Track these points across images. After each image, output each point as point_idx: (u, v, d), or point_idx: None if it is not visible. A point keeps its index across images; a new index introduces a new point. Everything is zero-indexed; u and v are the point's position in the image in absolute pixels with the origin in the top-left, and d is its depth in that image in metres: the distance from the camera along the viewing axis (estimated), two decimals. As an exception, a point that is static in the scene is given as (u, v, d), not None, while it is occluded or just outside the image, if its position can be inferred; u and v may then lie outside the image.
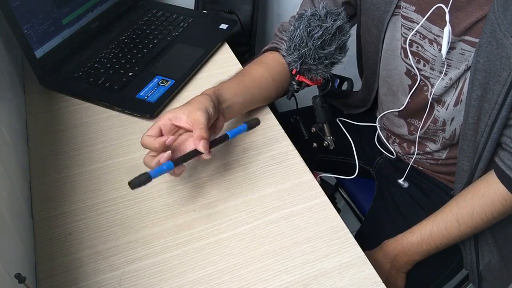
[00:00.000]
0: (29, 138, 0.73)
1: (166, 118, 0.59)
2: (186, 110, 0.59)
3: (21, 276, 0.45)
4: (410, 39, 0.70)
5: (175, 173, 0.57)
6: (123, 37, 0.93)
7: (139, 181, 0.52)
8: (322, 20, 0.60)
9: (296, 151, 0.72)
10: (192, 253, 0.58)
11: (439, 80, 0.70)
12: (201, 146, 0.55)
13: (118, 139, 0.73)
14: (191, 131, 0.58)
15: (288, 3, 1.40)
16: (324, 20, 0.60)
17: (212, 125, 0.63)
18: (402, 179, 0.86)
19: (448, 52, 0.66)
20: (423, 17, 0.66)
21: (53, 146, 0.71)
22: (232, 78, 0.71)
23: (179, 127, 0.60)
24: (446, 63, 0.68)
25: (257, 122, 0.62)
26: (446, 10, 0.62)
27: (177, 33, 0.95)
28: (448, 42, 0.63)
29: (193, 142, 0.56)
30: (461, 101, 0.69)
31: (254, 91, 0.73)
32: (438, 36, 0.66)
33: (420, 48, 0.70)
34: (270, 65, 0.76)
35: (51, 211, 0.62)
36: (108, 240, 0.59)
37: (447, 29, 0.62)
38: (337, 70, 0.67)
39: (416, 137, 0.81)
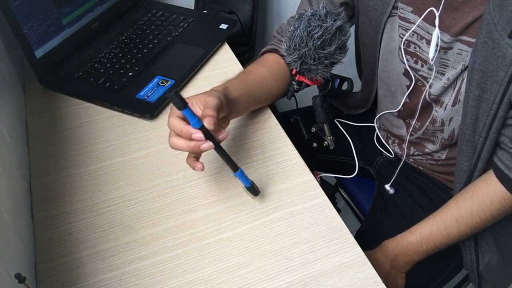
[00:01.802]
0: (29, 138, 0.73)
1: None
2: (199, 97, 0.58)
3: (21, 276, 0.45)
4: (407, 40, 0.71)
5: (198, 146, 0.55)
6: (123, 37, 0.93)
7: (176, 98, 0.51)
8: (322, 20, 0.60)
9: (296, 151, 0.72)
10: (192, 253, 0.58)
11: (434, 79, 0.70)
12: (206, 122, 0.54)
13: (118, 139, 0.73)
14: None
15: (288, 3, 1.40)
16: (324, 20, 0.60)
17: (219, 123, 0.62)
18: (389, 184, 0.86)
19: (445, 52, 0.66)
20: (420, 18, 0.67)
21: (53, 146, 0.71)
22: (236, 77, 0.71)
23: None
24: (443, 63, 0.68)
25: (257, 193, 0.63)
26: (437, 14, 0.62)
27: (177, 33, 0.95)
28: (436, 46, 0.63)
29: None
30: (459, 101, 0.70)
31: (258, 91, 0.73)
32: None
33: (417, 49, 0.70)
34: (271, 65, 0.76)
35: (51, 211, 0.62)
36: (108, 240, 0.59)
37: (436, 32, 0.62)
38: (337, 70, 0.67)
39: (414, 138, 0.82)
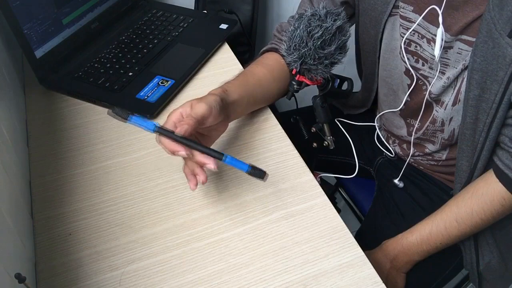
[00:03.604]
0: (29, 138, 0.73)
1: (178, 113, 0.57)
2: (192, 103, 0.58)
3: (21, 276, 0.45)
4: (408, 39, 0.71)
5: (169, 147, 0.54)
6: (123, 37, 0.93)
7: (117, 111, 0.51)
8: (322, 20, 0.60)
9: (296, 151, 0.72)
10: (192, 253, 0.58)
11: (435, 79, 0.70)
12: (178, 129, 0.53)
13: (118, 139, 0.73)
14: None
15: (288, 3, 1.40)
16: (324, 20, 0.60)
17: (216, 127, 0.62)
18: (398, 179, 0.86)
19: (445, 52, 0.66)
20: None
21: (53, 146, 0.71)
22: (236, 78, 0.71)
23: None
24: (444, 62, 0.68)
25: (262, 173, 0.55)
26: (440, 12, 0.62)
27: (177, 33, 0.95)
28: (441, 44, 0.63)
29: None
30: (459, 100, 0.70)
31: (258, 92, 0.73)
32: (436, 35, 0.66)
33: (418, 48, 0.70)
34: (270, 65, 0.76)
35: (51, 211, 0.62)
36: (108, 240, 0.59)
37: (440, 30, 0.62)
38: (337, 70, 0.67)
39: (414, 138, 0.82)
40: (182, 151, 0.53)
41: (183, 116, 0.57)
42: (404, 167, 0.84)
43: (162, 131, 0.53)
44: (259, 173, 0.55)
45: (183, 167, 0.59)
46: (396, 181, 0.87)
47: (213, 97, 0.60)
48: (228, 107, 0.63)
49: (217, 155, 0.54)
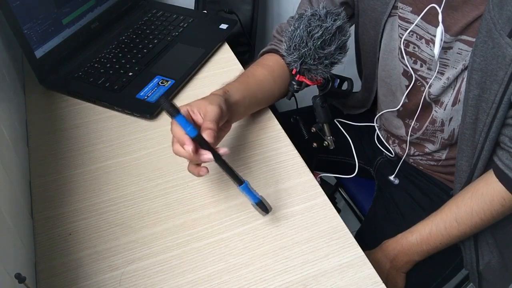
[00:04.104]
0: (29, 138, 0.73)
1: (185, 109, 0.57)
2: (200, 104, 0.58)
3: (21, 276, 0.45)
4: (407, 40, 0.71)
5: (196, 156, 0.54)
6: (123, 37, 0.93)
7: (168, 105, 0.49)
8: (322, 20, 0.60)
9: (296, 151, 0.72)
10: (192, 253, 0.58)
11: (433, 79, 0.70)
12: (206, 135, 0.53)
13: (118, 139, 0.73)
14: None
15: (288, 3, 1.40)
16: (324, 20, 0.60)
17: (221, 127, 0.61)
18: (393, 175, 0.86)
19: (445, 52, 0.66)
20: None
21: (53, 146, 0.71)
22: (236, 80, 0.71)
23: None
24: (443, 62, 0.68)
25: (267, 210, 0.59)
26: (439, 10, 0.62)
27: (177, 33, 0.95)
28: (441, 43, 0.63)
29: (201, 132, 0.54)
30: (459, 101, 0.70)
31: (258, 94, 0.73)
32: (435, 36, 0.66)
33: (416, 49, 0.70)
34: (271, 66, 0.76)
35: (51, 211, 0.62)
36: (108, 240, 0.59)
37: (440, 29, 0.62)
38: (337, 70, 0.67)
39: (414, 138, 0.82)
40: (190, 146, 0.52)
41: (190, 114, 0.57)
42: (400, 164, 0.84)
43: (201, 140, 0.53)
44: (263, 208, 0.58)
45: (188, 166, 0.59)
46: (391, 177, 0.87)
47: (217, 97, 0.60)
48: (230, 108, 0.63)
49: (238, 180, 0.55)
